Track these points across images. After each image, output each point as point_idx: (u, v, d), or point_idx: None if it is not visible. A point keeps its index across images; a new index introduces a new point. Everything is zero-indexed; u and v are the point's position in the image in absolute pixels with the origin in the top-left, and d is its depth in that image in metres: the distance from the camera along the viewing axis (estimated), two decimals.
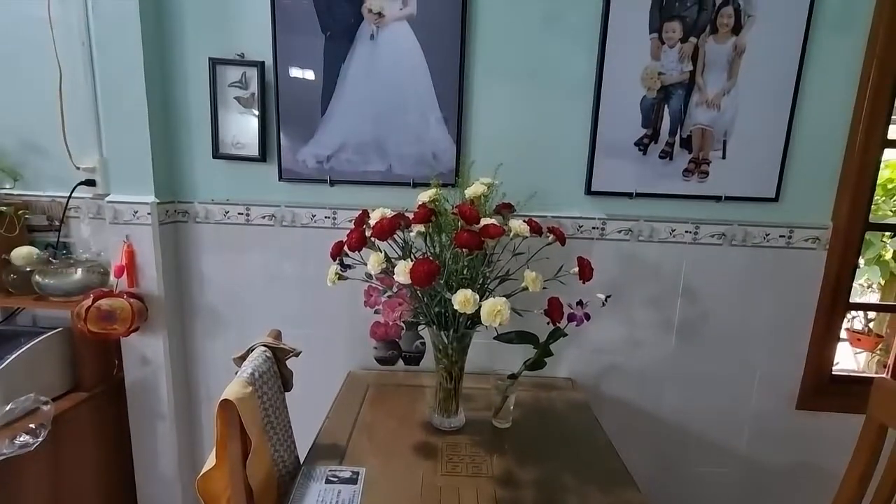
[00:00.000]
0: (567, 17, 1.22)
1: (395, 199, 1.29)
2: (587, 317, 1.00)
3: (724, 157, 1.25)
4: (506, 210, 1.11)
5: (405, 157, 1.28)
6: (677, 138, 1.25)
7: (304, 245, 1.34)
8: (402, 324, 1.36)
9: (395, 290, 1.15)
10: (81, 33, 1.26)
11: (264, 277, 1.36)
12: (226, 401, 0.83)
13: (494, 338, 1.08)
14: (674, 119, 1.24)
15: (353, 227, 1.03)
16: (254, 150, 1.29)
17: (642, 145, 1.26)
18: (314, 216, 1.33)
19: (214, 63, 1.26)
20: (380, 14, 1.22)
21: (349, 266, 1.07)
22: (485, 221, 0.90)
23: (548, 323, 0.99)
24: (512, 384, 1.10)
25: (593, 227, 1.31)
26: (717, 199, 1.28)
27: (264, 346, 0.99)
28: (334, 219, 1.33)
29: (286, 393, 1.03)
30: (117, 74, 1.22)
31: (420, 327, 1.36)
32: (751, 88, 1.21)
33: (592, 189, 1.27)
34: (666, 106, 1.24)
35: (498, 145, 1.28)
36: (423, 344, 1.38)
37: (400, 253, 1.04)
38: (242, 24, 1.26)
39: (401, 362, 1.39)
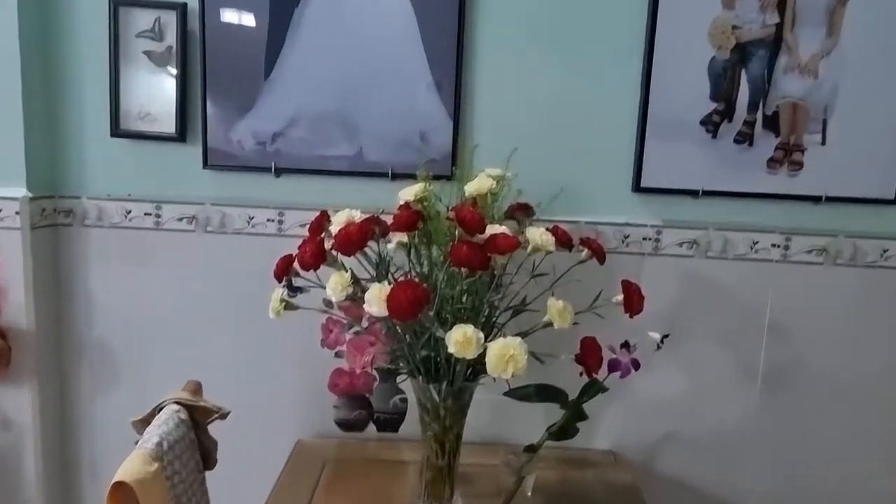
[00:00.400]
0: None
1: (367, 196, 1.24)
2: (636, 365, 0.96)
3: (823, 143, 1.23)
4: (522, 213, 1.07)
5: (382, 138, 1.24)
6: (759, 116, 1.22)
7: (238, 259, 1.29)
8: (375, 372, 1.33)
9: (364, 324, 1.10)
10: None
11: (180, 305, 1.31)
12: (120, 483, 0.78)
13: (505, 394, 1.04)
14: (754, 89, 1.21)
15: (307, 235, 0.98)
16: (169, 126, 1.25)
17: (711, 125, 1.23)
18: (252, 218, 1.29)
19: (116, 5, 1.22)
20: None
21: (300, 290, 1.03)
22: (493, 230, 0.86)
23: (581, 374, 0.94)
24: (530, 460, 1.05)
25: (644, 239, 1.27)
26: (816, 199, 1.25)
27: (177, 403, 0.94)
28: (280, 222, 1.29)
29: (207, 472, 0.99)
30: None
31: (400, 378, 1.32)
32: (858, 49, 1.19)
33: (643, 185, 1.24)
34: (743, 71, 1.21)
35: (511, 123, 1.25)
36: (404, 401, 1.34)
37: (373, 273, 0.99)
38: None
39: (372, 427, 1.36)
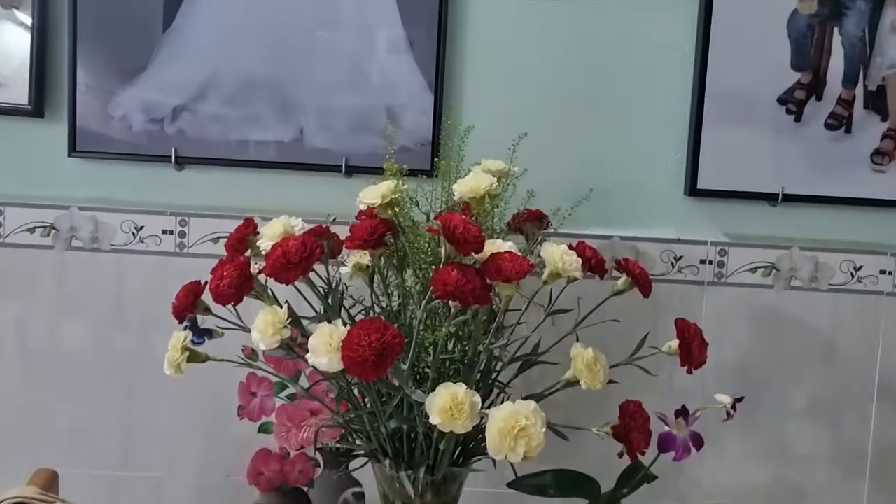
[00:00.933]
0: None
1: (311, 198, 1.28)
2: (697, 442, 0.99)
3: None
4: (533, 224, 1.10)
5: (332, 115, 1.28)
6: (860, 91, 1.28)
7: (117, 289, 1.31)
8: (318, 454, 1.34)
9: (304, 383, 1.11)
10: None
11: (29, 354, 1.31)
12: None
13: (510, 484, 1.05)
14: (852, 56, 1.27)
15: (222, 253, 1.00)
16: (20, 94, 1.27)
17: (794, 104, 1.28)
18: (140, 229, 1.31)
19: None
20: None
21: (209, 333, 1.04)
22: (493, 247, 0.89)
23: (620, 454, 0.96)
24: None
25: (703, 262, 1.32)
26: None
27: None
28: (182, 234, 1.31)
29: None
30: None
31: (355, 463, 1.33)
32: None
33: (699, 186, 1.29)
34: (837, 31, 1.27)
35: (515, 99, 1.28)
36: (360, 497, 1.35)
37: (319, 308, 1.01)
38: None
39: None
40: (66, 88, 1.27)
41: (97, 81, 1.27)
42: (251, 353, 1.06)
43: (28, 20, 1.26)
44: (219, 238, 1.29)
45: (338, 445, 1.22)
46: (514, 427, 0.80)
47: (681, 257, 1.32)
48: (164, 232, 1.31)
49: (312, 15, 1.27)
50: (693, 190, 1.29)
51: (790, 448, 1.35)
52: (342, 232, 0.99)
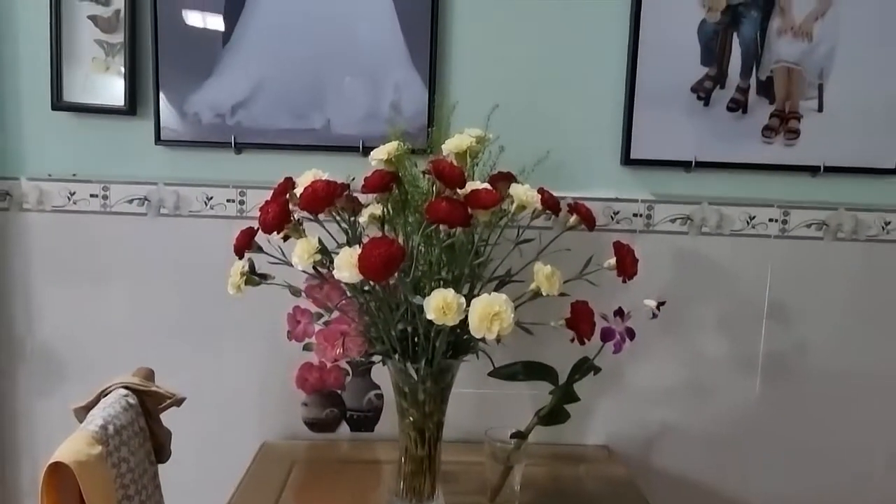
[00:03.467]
0: None
1: (336, 171, 1.22)
2: (631, 334, 0.97)
3: (820, 110, 1.27)
4: (504, 182, 1.08)
5: (351, 109, 1.26)
6: (753, 81, 1.26)
7: (195, 244, 1.29)
8: (347, 366, 1.33)
9: (333, 309, 1.10)
10: None
11: (131, 296, 1.30)
12: (58, 465, 0.75)
13: (490, 373, 1.04)
14: (747, 54, 1.26)
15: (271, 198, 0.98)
16: (118, 98, 1.25)
17: (703, 92, 1.27)
18: (210, 199, 1.29)
19: None
20: None
21: (265, 277, 1.02)
22: (473, 186, 0.87)
23: (572, 340, 0.95)
24: (518, 448, 1.05)
25: (635, 215, 1.30)
26: (814, 170, 1.29)
27: (126, 388, 0.92)
28: (241, 203, 1.29)
29: (160, 465, 0.97)
30: None
31: (376, 365, 1.32)
32: (854, 9, 1.24)
33: (632, 156, 1.27)
34: (735, 35, 1.25)
35: (490, 92, 1.25)
36: (380, 398, 1.34)
37: (343, 239, 1.00)
38: None
39: (345, 427, 1.35)
40: (152, 93, 1.25)
41: (174, 87, 1.25)
42: (297, 291, 1.04)
43: (122, 41, 1.24)
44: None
45: (361, 359, 1.21)
46: (490, 312, 0.79)
47: (618, 212, 1.30)
48: (227, 201, 1.29)
49: (336, 30, 1.25)
50: (627, 159, 1.27)
51: (700, 355, 1.34)
52: (361, 198, 0.97)
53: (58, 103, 1.25)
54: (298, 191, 0.91)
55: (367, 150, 1.24)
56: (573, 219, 1.02)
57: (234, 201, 1.29)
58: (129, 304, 1.30)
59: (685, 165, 1.28)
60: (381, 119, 1.26)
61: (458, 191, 0.85)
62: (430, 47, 1.24)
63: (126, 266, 1.30)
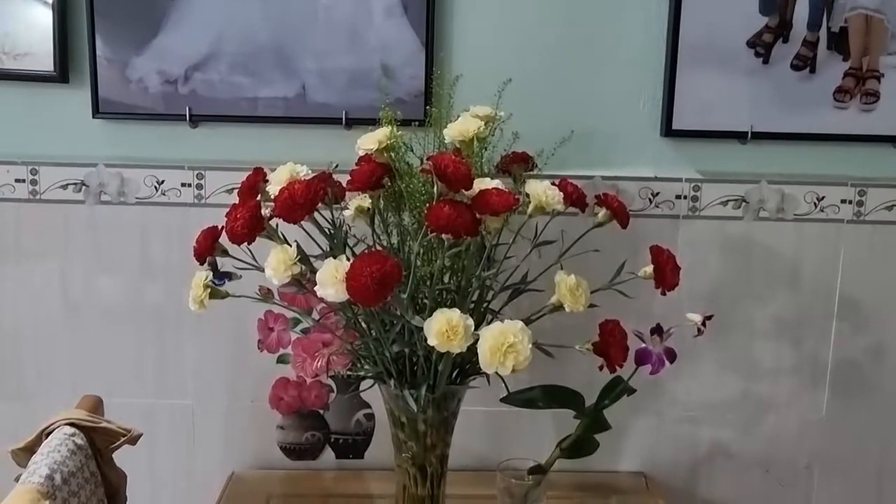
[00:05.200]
0: None
1: (315, 149, 1.25)
2: (671, 356, 1.00)
3: None
4: (519, 166, 1.10)
5: (331, 72, 1.26)
6: (823, 33, 1.26)
7: (144, 238, 1.31)
8: (331, 380, 1.36)
9: (315, 317, 1.12)
10: None
11: (69, 300, 1.33)
12: None
13: (503, 399, 1.07)
14: (815, 0, 1.25)
15: (238, 197, 1.00)
16: (46, 62, 1.25)
17: (762, 47, 1.26)
18: (161, 183, 1.31)
19: None
20: None
21: (229, 276, 1.05)
22: (482, 184, 0.89)
23: (601, 367, 0.97)
24: (537, 485, 1.09)
25: (678, 197, 1.31)
26: None
27: (71, 425, 0.95)
28: (199, 187, 1.31)
29: None
30: None
31: (364, 386, 1.35)
32: None
33: (674, 126, 1.28)
34: None
35: (501, 49, 1.27)
36: (370, 418, 1.38)
37: (326, 246, 1.02)
38: None
39: (329, 453, 1.39)
40: (87, 56, 1.25)
41: (115, 48, 1.25)
42: (267, 293, 1.07)
43: None
44: (233, 189, 1.28)
45: (348, 372, 1.24)
46: (503, 344, 0.82)
47: (658, 193, 1.31)
48: (182, 185, 1.31)
49: None
50: (668, 131, 1.28)
51: (755, 365, 1.36)
52: (344, 180, 0.99)
53: None
54: (272, 189, 0.93)
55: (350, 123, 1.28)
56: (603, 213, 1.04)
57: (190, 185, 1.31)
58: (67, 307, 1.33)
59: (739, 137, 1.29)
60: (367, 85, 1.26)
61: (465, 191, 0.87)
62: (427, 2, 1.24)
63: (62, 264, 1.32)
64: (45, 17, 1.25)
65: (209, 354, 1.34)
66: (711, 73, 1.27)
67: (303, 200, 0.87)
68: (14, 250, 1.32)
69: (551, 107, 1.27)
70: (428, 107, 1.16)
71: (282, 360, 1.34)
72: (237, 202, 0.96)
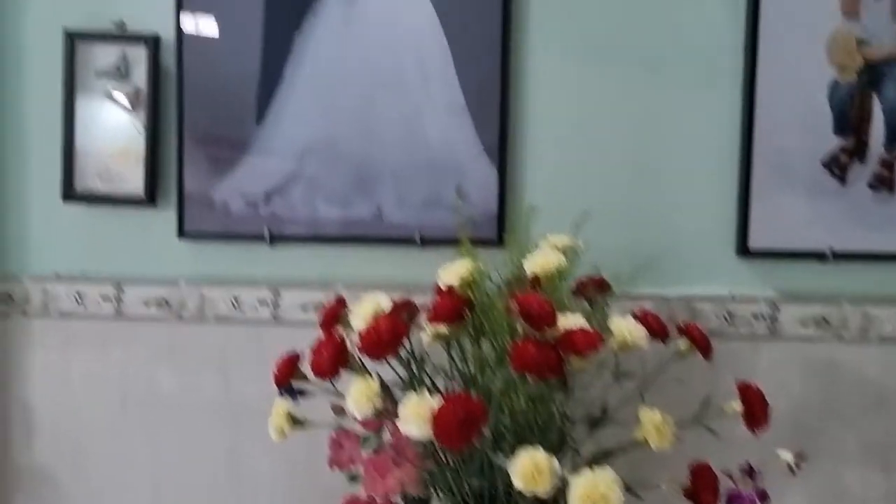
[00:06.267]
0: None
1: (391, 268, 1.31)
2: (763, 498, 0.97)
3: None
4: (596, 290, 1.11)
5: (407, 194, 1.31)
6: None
7: (221, 354, 1.35)
8: (402, 501, 1.34)
9: (387, 437, 1.12)
10: None
11: (146, 417, 1.36)
12: None
13: None
14: (892, 119, 1.26)
15: (320, 328, 1.02)
16: (136, 186, 1.33)
17: (838, 167, 1.27)
18: (238, 300, 1.35)
19: (73, 38, 1.32)
20: None
21: (302, 393, 1.07)
22: (566, 322, 0.89)
23: None
24: None
25: (756, 316, 1.30)
26: None
27: None
28: (275, 305, 1.35)
29: None
30: None
31: None
32: None
33: (750, 246, 1.28)
34: (876, 97, 1.26)
35: (573, 172, 1.30)
36: None
37: (404, 374, 1.03)
38: None
39: None
40: (175, 179, 1.33)
41: (201, 172, 1.32)
42: (340, 410, 1.07)
43: (143, 122, 1.32)
44: (306, 306, 1.33)
45: (421, 495, 1.22)
46: (596, 495, 0.80)
47: (734, 313, 1.30)
48: (259, 302, 1.35)
49: (387, 105, 1.31)
50: (744, 249, 1.28)
51: (848, 494, 1.30)
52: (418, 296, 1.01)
53: (69, 192, 1.34)
54: (356, 323, 0.95)
55: (425, 243, 1.30)
56: (684, 344, 1.03)
57: (266, 303, 1.35)
58: (144, 425, 1.36)
59: (819, 257, 1.28)
60: (441, 206, 1.30)
61: (549, 330, 0.87)
62: (499, 121, 1.29)
63: (142, 381, 1.36)
64: (137, 145, 1.33)
65: (280, 470, 1.35)
66: (786, 193, 1.27)
67: (389, 338, 0.88)
68: (100, 366, 1.37)
69: (623, 227, 1.29)
70: (501, 231, 1.18)
71: (352, 478, 1.33)
72: (321, 340, 0.97)
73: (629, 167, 1.30)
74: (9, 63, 1.35)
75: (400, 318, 0.91)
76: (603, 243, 1.17)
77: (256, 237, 1.32)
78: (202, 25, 1.31)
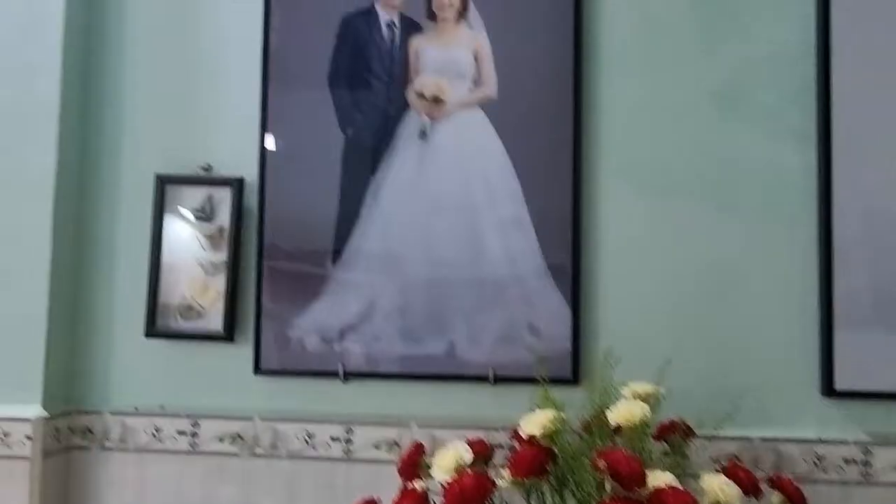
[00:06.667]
0: (755, 93, 1.31)
1: (462, 405, 1.31)
2: None
3: None
4: (679, 435, 1.08)
5: (480, 331, 1.32)
6: None
7: (291, 491, 1.34)
8: None
9: None
10: None
11: None
12: None
13: None
14: None
15: (399, 476, 1.01)
16: (216, 323, 1.37)
17: None
18: (311, 436, 1.35)
19: (164, 182, 1.40)
20: (437, 100, 1.36)
21: None
22: (654, 478, 0.87)
23: None
24: None
25: (847, 461, 1.24)
26: None
27: None
28: (348, 441, 1.34)
29: None
30: (9, 209, 1.35)
31: None
32: None
33: (836, 387, 1.24)
34: None
35: (648, 310, 1.30)
36: None
37: None
38: (213, 121, 1.43)
39: None
40: (253, 316, 1.37)
41: (278, 309, 1.36)
42: None
43: (224, 260, 1.38)
44: (378, 444, 1.32)
45: None
46: None
47: (823, 457, 1.24)
48: (331, 439, 1.35)
49: (460, 243, 1.34)
50: (829, 390, 1.24)
51: None
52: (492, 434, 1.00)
53: (151, 329, 1.38)
54: (437, 475, 0.94)
55: (498, 380, 1.30)
56: (777, 498, 0.99)
57: (339, 440, 1.35)
58: None
59: None
60: (514, 343, 1.31)
61: (640, 490, 0.85)
62: (571, 257, 1.31)
63: None
64: (218, 283, 1.38)
65: None
66: (871, 331, 1.24)
67: (473, 497, 0.87)
68: (174, 499, 1.37)
69: (701, 367, 1.27)
70: (575, 368, 1.17)
71: None
72: (403, 492, 0.96)
73: (703, 305, 1.30)
74: (103, 205, 1.44)
75: (484, 476, 0.90)
76: (682, 385, 1.15)
77: (330, 373, 1.34)
78: (284, 168, 1.38)
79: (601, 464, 0.86)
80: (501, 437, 1.17)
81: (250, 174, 1.39)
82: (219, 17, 1.45)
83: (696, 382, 1.24)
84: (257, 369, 1.36)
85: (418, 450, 1.03)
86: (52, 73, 1.37)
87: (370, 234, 1.36)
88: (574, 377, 1.27)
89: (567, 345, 1.29)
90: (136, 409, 1.39)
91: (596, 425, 1.04)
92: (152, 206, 1.39)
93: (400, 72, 1.37)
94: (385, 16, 1.38)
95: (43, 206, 1.36)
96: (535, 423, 0.95)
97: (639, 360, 1.16)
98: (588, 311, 1.31)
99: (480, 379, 1.30)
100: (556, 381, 1.21)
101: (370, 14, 1.38)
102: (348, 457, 1.34)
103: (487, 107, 1.35)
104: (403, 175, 1.36)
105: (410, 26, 1.37)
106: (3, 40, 1.38)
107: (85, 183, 1.44)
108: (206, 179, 1.40)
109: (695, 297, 1.30)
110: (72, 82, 1.41)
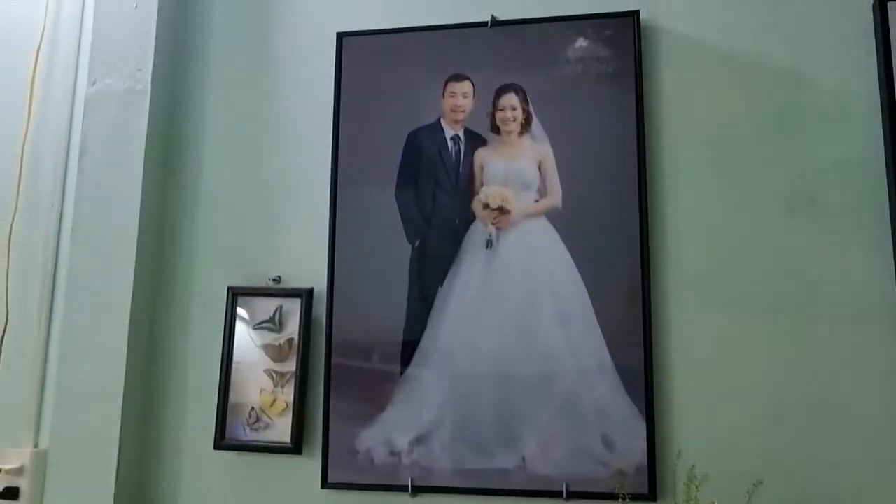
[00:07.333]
0: (827, 199, 1.30)
1: None
2: None
3: None
4: None
5: (551, 444, 1.29)
6: None
7: None
8: None
9: None
10: (45, 263, 1.51)
11: None
12: None
13: None
14: None
15: None
16: (283, 435, 1.37)
17: None
18: None
19: (235, 294, 1.43)
20: (501, 210, 1.38)
21: None
22: None
23: None
24: None
25: None
26: None
27: None
28: None
29: None
30: (87, 322, 1.41)
31: None
32: None
33: None
34: None
35: (725, 421, 1.27)
36: None
37: None
38: (282, 235, 1.47)
39: None
40: (321, 428, 1.37)
41: (346, 421, 1.36)
42: None
43: (293, 370, 1.39)
44: None
45: None
46: None
47: None
48: None
49: (530, 352, 1.33)
50: None
51: None
52: None
53: (220, 442, 1.39)
54: None
55: (571, 495, 1.26)
56: None
57: None
58: None
59: None
60: (588, 457, 1.28)
61: None
62: (644, 367, 1.28)
63: None
64: (286, 394, 1.39)
65: None
66: None
67: None
68: None
69: (786, 481, 1.22)
70: (654, 485, 1.14)
71: None
72: None
73: (780, 412, 1.25)
74: (175, 318, 1.48)
75: None
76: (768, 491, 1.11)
77: (399, 487, 1.32)
78: (352, 278, 1.41)
79: None
80: None
81: (319, 285, 1.42)
82: (289, 134, 1.51)
83: (787, 490, 1.19)
84: (325, 483, 1.34)
85: None
86: (132, 197, 1.45)
87: (438, 344, 1.36)
88: (651, 493, 1.23)
89: (642, 459, 1.25)
90: None
91: None
92: (224, 317, 1.43)
93: (465, 183, 1.40)
94: (450, 130, 1.42)
95: (120, 321, 1.40)
96: None
97: (714, 471, 1.13)
98: (662, 424, 1.28)
99: (553, 494, 1.27)
100: (633, 496, 1.19)
101: (436, 129, 1.43)
102: None
103: (553, 216, 1.36)
104: (471, 284, 1.37)
105: (475, 139, 1.42)
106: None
107: (158, 297, 1.49)
108: (277, 291, 1.43)
109: (772, 409, 1.26)
110: (149, 202, 1.48)
